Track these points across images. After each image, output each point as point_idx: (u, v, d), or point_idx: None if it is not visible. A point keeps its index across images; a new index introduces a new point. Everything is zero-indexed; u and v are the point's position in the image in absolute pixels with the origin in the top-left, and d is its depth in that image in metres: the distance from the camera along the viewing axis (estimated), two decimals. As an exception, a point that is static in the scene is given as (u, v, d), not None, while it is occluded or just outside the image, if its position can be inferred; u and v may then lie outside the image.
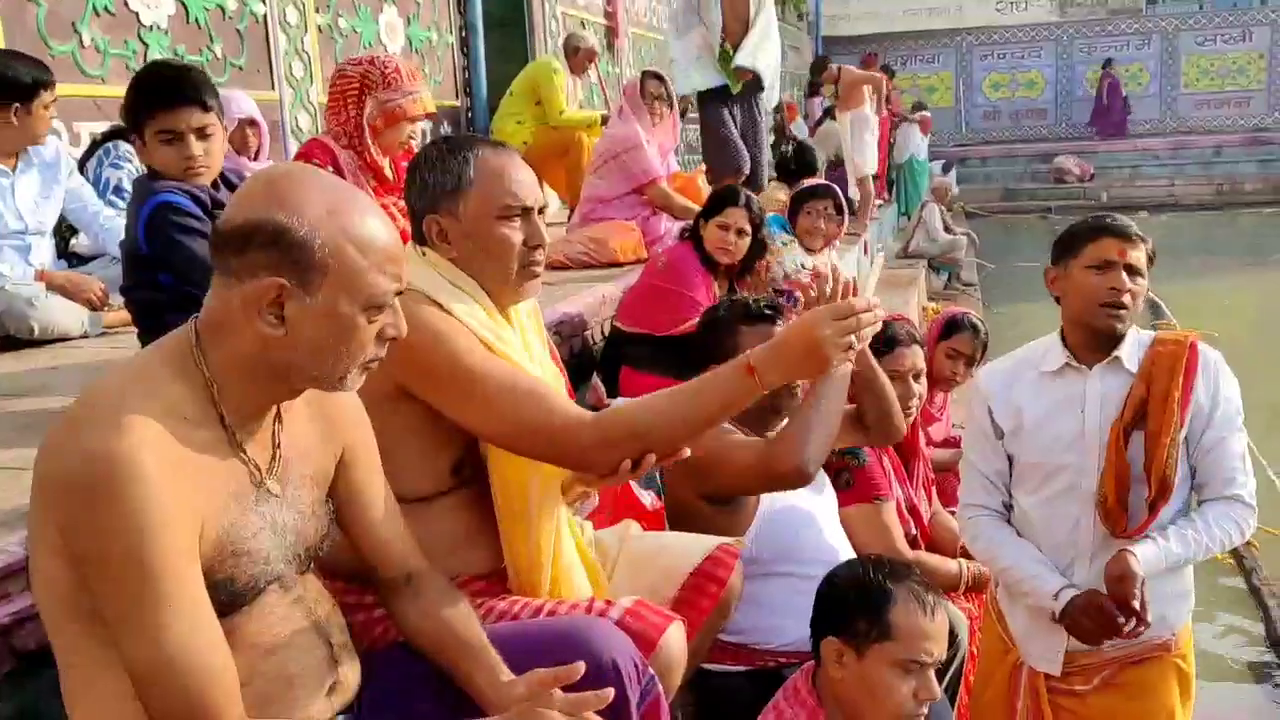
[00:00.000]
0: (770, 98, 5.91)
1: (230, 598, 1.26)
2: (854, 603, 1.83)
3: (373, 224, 1.29)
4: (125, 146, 3.66)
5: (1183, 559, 2.11)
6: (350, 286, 1.25)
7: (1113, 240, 2.15)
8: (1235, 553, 4.61)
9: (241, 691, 1.23)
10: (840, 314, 1.58)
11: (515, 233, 1.75)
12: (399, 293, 1.32)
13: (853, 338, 1.58)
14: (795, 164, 5.72)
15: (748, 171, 5.51)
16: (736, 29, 5.61)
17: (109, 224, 3.47)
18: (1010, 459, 2.28)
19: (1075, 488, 2.17)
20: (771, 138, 6.28)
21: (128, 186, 3.63)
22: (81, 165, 3.67)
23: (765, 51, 5.69)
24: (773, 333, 2.34)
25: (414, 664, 1.56)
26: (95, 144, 3.73)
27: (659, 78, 4.97)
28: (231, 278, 1.25)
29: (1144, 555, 2.05)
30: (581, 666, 1.38)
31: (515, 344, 1.77)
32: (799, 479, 2.12)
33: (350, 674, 1.44)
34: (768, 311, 2.39)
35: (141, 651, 1.16)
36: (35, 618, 1.50)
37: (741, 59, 5.58)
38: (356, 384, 1.33)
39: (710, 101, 5.64)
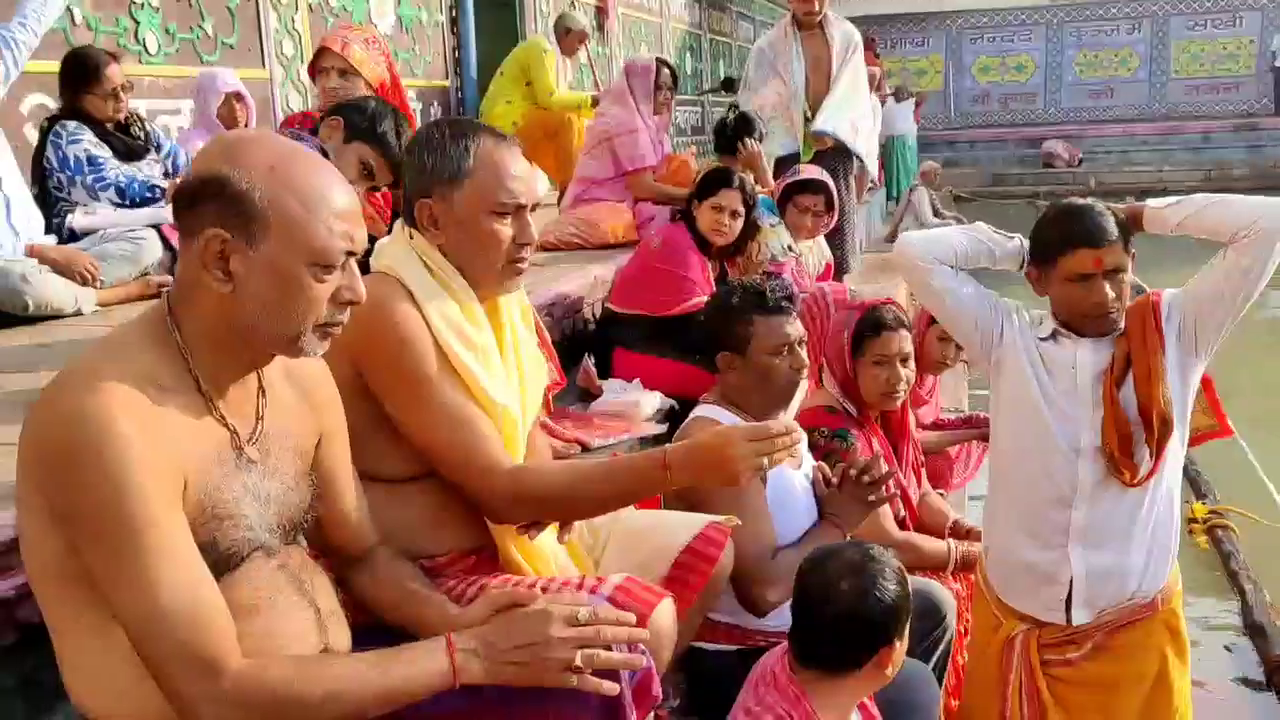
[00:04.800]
0: (870, 165, 5.21)
1: (214, 563, 1.26)
2: None
3: (321, 180, 1.29)
4: (73, 124, 3.61)
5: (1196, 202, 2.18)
6: (292, 238, 1.26)
7: (1087, 251, 2.12)
8: (1214, 537, 4.68)
9: None
10: (755, 436, 1.63)
11: (505, 228, 1.77)
12: (351, 253, 1.32)
13: (764, 460, 1.63)
14: (734, 133, 4.63)
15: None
16: (819, 85, 4.97)
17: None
18: (1001, 417, 2.36)
19: (1072, 438, 2.21)
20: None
21: (98, 152, 3.61)
22: (39, 152, 3.62)
23: (849, 114, 4.99)
24: (785, 324, 2.38)
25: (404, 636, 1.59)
26: (44, 129, 3.65)
27: (671, 67, 4.94)
28: (186, 237, 1.27)
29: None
30: (539, 594, 1.42)
31: (485, 344, 1.78)
32: (755, 607, 2.20)
33: (340, 640, 1.45)
34: (784, 303, 2.40)
35: (134, 605, 1.17)
36: (37, 591, 1.53)
37: (820, 123, 4.90)
38: (316, 349, 1.34)
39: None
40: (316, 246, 1.27)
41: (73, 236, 3.55)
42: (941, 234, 2.39)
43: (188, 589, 1.19)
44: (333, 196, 1.30)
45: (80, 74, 3.62)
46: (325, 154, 2.75)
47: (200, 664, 1.19)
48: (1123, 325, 2.21)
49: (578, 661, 1.37)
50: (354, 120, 2.60)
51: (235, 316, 1.28)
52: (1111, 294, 2.14)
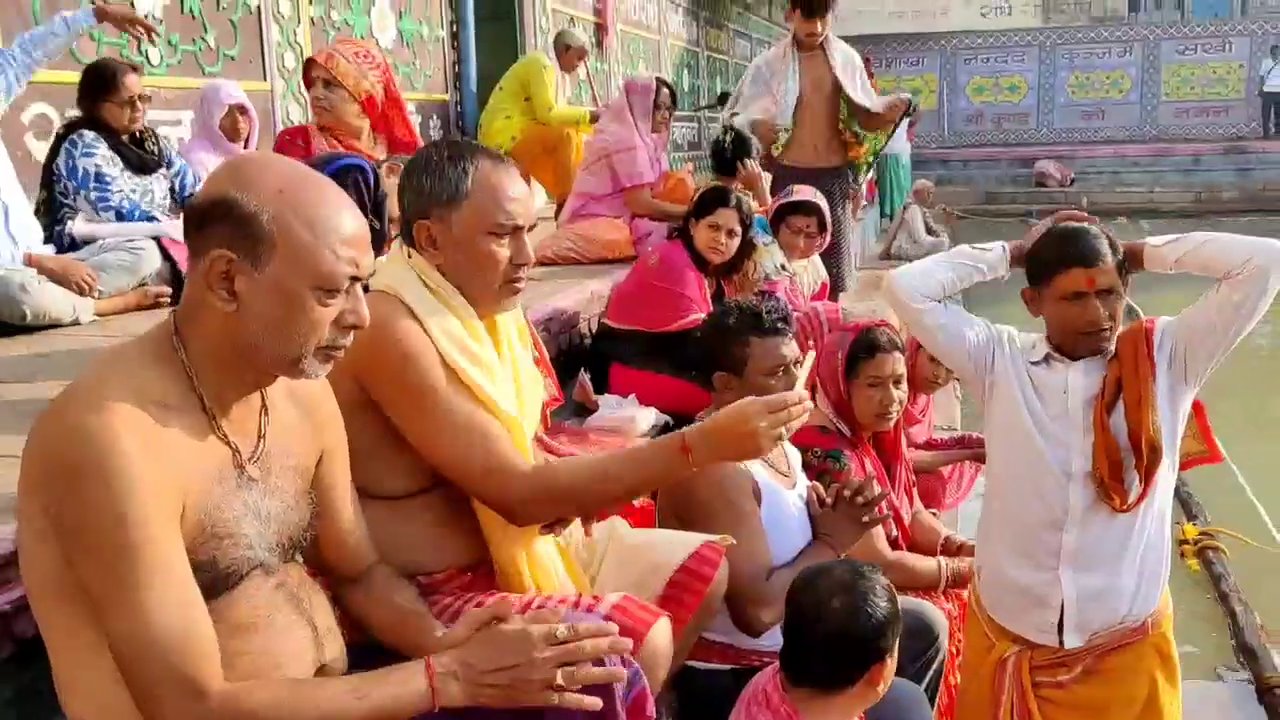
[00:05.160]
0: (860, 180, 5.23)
1: (213, 581, 1.28)
2: None
3: (329, 206, 1.31)
4: (90, 134, 3.65)
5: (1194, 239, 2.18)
6: (297, 262, 1.27)
7: (1080, 271, 2.15)
8: (1204, 558, 4.70)
9: (227, 672, 1.26)
10: (775, 407, 1.66)
11: (503, 249, 1.78)
12: (356, 279, 1.33)
13: (783, 429, 1.67)
14: (732, 153, 4.72)
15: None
16: (818, 105, 4.97)
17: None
18: (991, 434, 2.37)
19: (1063, 462, 2.23)
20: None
21: (107, 171, 3.64)
22: (50, 160, 3.65)
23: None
24: (781, 345, 2.39)
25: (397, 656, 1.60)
26: (60, 136, 3.69)
27: (670, 87, 4.97)
28: (194, 256, 1.29)
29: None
30: (513, 603, 1.41)
31: (488, 359, 1.79)
32: (750, 628, 2.20)
33: (337, 658, 1.47)
34: (780, 325, 2.42)
35: (124, 624, 1.17)
36: (35, 604, 1.54)
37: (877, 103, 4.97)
38: (318, 371, 1.35)
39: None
40: (322, 271, 1.29)
41: (73, 244, 3.56)
42: (927, 269, 2.40)
43: (179, 610, 1.19)
44: (340, 222, 1.31)
45: (99, 83, 3.66)
46: (376, 175, 2.76)
47: (187, 686, 1.19)
48: (1114, 349, 2.24)
49: (559, 680, 1.37)
50: None
51: (239, 336, 1.29)
52: (1104, 313, 2.17)
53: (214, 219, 1.26)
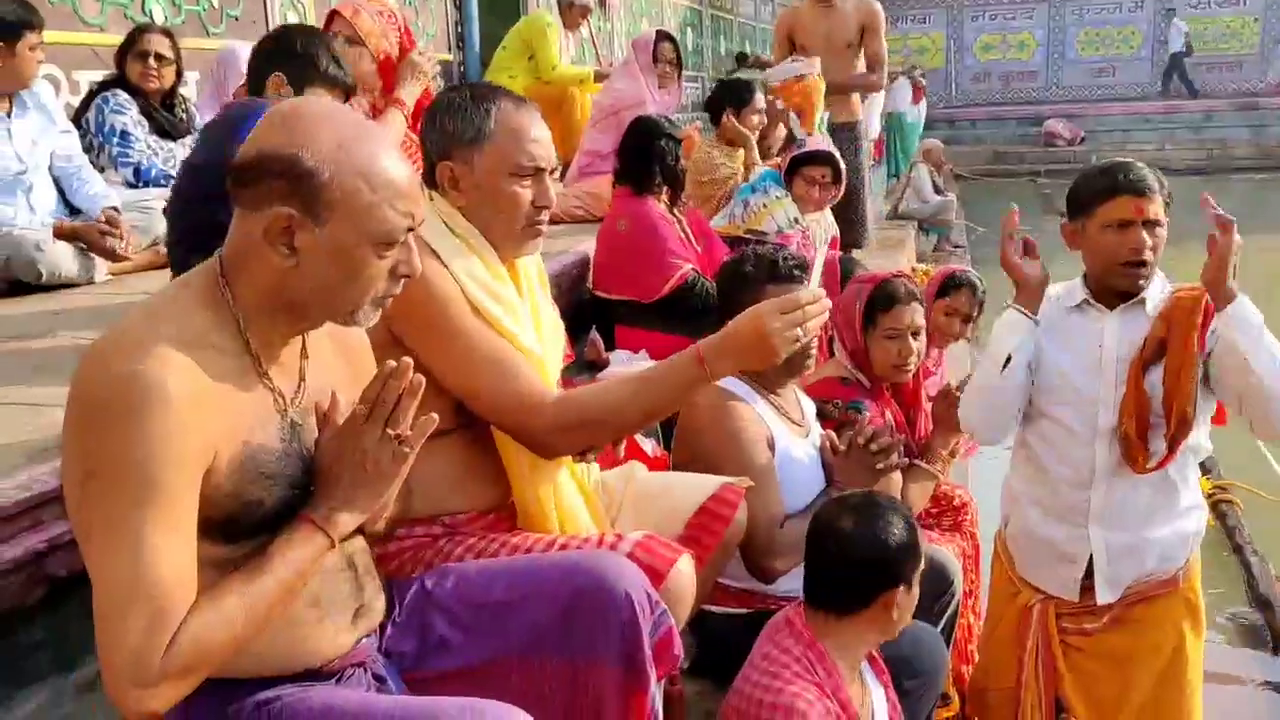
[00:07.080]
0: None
1: (260, 520, 1.29)
2: None
3: (385, 159, 1.30)
4: (124, 95, 3.68)
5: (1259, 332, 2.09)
6: (358, 220, 1.27)
7: (1129, 199, 2.13)
8: (1218, 511, 4.71)
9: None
10: (786, 307, 1.65)
11: (525, 191, 1.79)
12: (411, 229, 1.34)
13: (799, 330, 1.65)
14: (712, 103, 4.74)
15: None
16: (829, 56, 5.04)
17: (82, 184, 3.45)
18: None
19: (1090, 418, 2.20)
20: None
21: (133, 131, 3.67)
22: (80, 114, 3.69)
23: None
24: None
25: (432, 593, 1.62)
26: (92, 93, 3.74)
27: (672, 41, 4.92)
28: (247, 209, 1.28)
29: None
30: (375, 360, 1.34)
31: (510, 299, 1.80)
32: (763, 575, 2.19)
33: (375, 599, 1.48)
34: (795, 272, 2.41)
35: (119, 571, 1.15)
36: (65, 545, 1.56)
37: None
38: (369, 319, 1.36)
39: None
40: (383, 228, 1.29)
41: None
42: (991, 424, 2.35)
43: (174, 571, 1.17)
44: (397, 176, 1.31)
45: (127, 38, 3.74)
46: None
47: (148, 658, 1.15)
48: (1149, 289, 2.19)
49: (390, 433, 1.32)
50: (295, 69, 2.54)
51: (294, 289, 1.29)
52: (1148, 244, 2.14)
53: (271, 174, 1.25)
